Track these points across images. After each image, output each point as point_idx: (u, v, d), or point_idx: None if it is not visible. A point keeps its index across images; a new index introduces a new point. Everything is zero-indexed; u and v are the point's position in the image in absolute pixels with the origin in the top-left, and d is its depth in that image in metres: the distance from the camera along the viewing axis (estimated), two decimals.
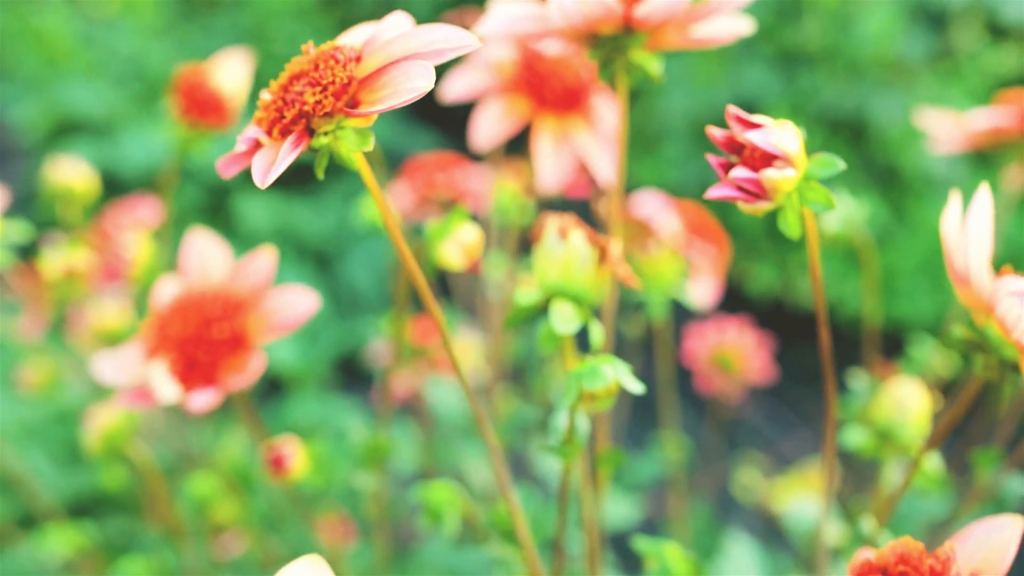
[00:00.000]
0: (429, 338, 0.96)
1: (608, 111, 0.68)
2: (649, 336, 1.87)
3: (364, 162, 0.40)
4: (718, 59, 1.86)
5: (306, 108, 0.38)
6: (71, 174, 0.79)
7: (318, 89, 0.38)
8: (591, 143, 0.67)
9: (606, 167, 0.66)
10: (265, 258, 0.60)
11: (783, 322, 1.86)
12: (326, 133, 0.39)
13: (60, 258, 0.72)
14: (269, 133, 0.39)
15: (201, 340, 0.57)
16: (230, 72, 0.72)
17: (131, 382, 0.60)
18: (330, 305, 1.85)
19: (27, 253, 0.99)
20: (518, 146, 0.93)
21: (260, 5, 2.19)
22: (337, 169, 2.17)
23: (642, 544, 0.56)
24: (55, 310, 0.92)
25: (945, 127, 0.71)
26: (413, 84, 0.37)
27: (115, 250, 0.73)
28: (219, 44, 2.08)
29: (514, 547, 0.54)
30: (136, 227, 0.77)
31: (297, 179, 2.05)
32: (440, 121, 2.36)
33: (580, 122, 0.67)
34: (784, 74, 1.82)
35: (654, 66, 0.52)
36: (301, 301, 0.58)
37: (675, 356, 1.00)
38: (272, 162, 0.37)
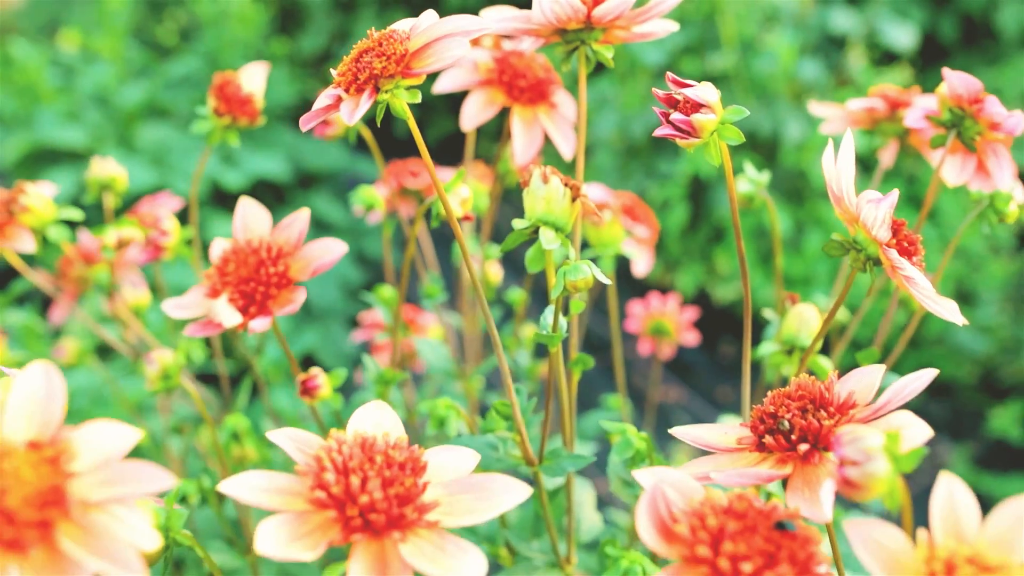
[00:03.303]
0: (413, 319, 1.13)
1: (566, 102, 0.85)
2: (591, 343, 2.03)
3: (410, 113, 0.57)
4: (645, 82, 2.05)
5: (375, 71, 0.54)
6: (112, 168, 0.94)
7: (383, 58, 0.54)
8: (553, 126, 0.83)
9: (566, 144, 0.83)
10: (301, 217, 0.76)
11: (709, 323, 2.05)
12: (387, 91, 0.55)
13: (114, 230, 0.87)
14: (347, 91, 0.55)
15: (257, 279, 0.72)
16: (254, 79, 0.88)
17: (196, 316, 0.74)
18: (296, 315, 1.99)
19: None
20: (483, 152, 1.08)
21: (215, 45, 2.34)
22: (293, 199, 2.31)
23: (607, 424, 0.73)
24: (88, 294, 1.05)
25: (833, 112, 0.90)
26: (453, 53, 0.53)
27: (157, 227, 0.88)
28: (182, 79, 2.23)
29: (510, 426, 0.69)
30: (169, 212, 0.91)
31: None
32: (380, 148, 2.57)
33: (545, 110, 0.84)
34: None
35: (607, 55, 0.69)
36: (334, 247, 0.73)
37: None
38: (354, 109, 0.54)
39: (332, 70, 0.58)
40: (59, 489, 0.42)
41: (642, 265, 1.06)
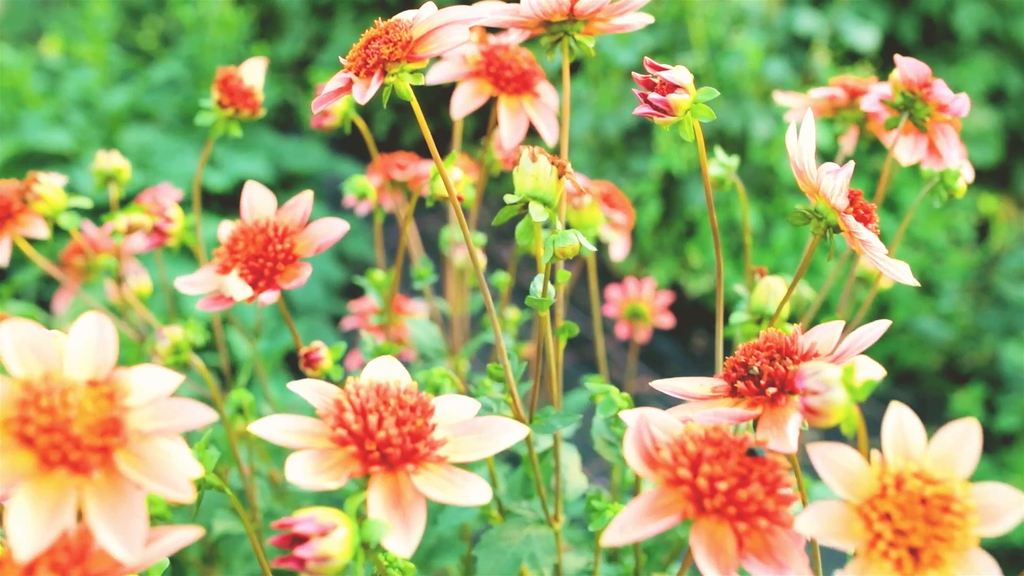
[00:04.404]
0: (400, 306, 1.18)
1: (549, 92, 0.91)
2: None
3: (413, 95, 0.62)
4: (617, 83, 2.12)
5: (383, 56, 0.60)
6: (117, 161, 0.99)
7: (391, 44, 0.60)
8: (537, 115, 0.90)
9: (549, 132, 0.89)
10: (305, 198, 0.81)
11: (682, 316, 2.12)
12: (394, 74, 0.61)
13: (124, 216, 0.92)
14: (357, 74, 0.61)
15: (265, 256, 0.78)
16: (254, 73, 0.93)
17: (207, 292, 0.80)
18: (279, 313, 2.05)
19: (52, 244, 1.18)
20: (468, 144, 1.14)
21: (196, 50, 2.38)
22: None
23: (591, 385, 0.79)
24: (89, 284, 1.10)
25: (797, 101, 0.97)
26: (454, 39, 0.59)
27: (162, 215, 0.93)
28: (164, 83, 2.27)
29: (503, 387, 0.75)
30: (173, 201, 0.97)
31: None
32: (357, 152, 2.66)
33: (529, 99, 0.90)
34: None
35: (588, 45, 0.76)
36: (337, 225, 0.78)
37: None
38: (364, 90, 0.59)
39: (341, 58, 0.64)
40: (117, 420, 0.47)
41: (619, 249, 1.12)
